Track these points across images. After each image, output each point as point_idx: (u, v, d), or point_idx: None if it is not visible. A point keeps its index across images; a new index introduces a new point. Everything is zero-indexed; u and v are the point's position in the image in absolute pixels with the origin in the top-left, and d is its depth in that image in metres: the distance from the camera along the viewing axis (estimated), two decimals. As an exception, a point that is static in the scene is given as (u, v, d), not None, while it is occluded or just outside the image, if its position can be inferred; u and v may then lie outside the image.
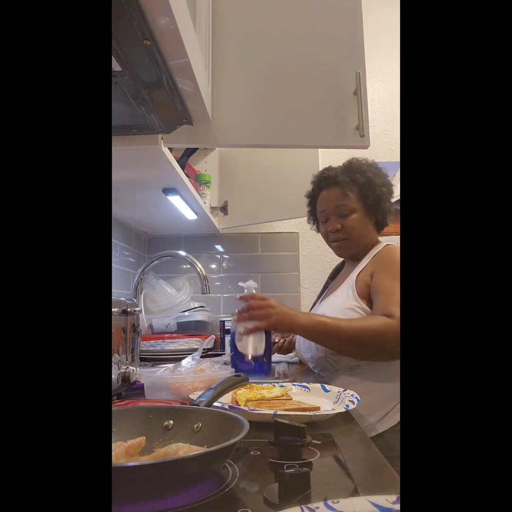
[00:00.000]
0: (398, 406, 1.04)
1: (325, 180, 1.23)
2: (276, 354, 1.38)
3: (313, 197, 1.30)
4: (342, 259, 1.37)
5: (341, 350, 1.01)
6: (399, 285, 0.99)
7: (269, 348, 0.99)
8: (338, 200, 1.19)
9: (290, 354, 1.43)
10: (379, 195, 1.18)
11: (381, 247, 1.19)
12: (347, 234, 1.19)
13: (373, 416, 1.03)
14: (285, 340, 1.39)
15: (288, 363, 1.44)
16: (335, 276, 1.38)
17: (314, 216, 1.33)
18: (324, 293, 1.36)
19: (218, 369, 0.91)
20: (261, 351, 0.96)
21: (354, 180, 1.18)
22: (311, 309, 1.40)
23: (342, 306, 1.11)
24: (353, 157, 1.26)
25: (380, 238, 1.27)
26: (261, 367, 0.96)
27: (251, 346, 0.96)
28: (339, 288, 1.21)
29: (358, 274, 1.15)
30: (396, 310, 0.96)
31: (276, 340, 1.39)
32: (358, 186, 1.18)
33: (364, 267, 1.16)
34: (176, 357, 1.29)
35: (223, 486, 0.42)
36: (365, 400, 0.95)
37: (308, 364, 1.22)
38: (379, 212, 1.20)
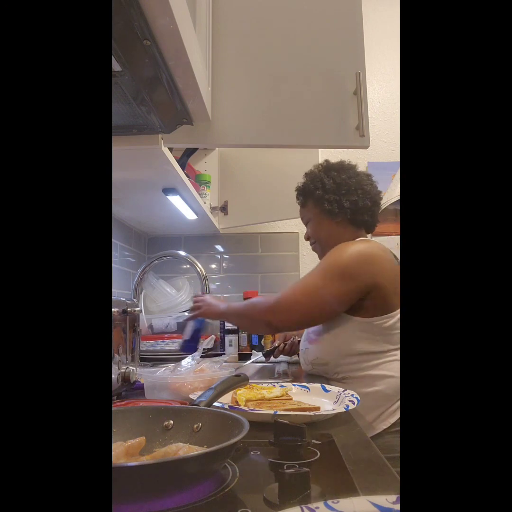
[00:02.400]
0: (394, 407, 1.04)
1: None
2: (281, 356, 1.43)
3: None
4: None
5: (240, 324, 1.31)
6: (311, 276, 1.09)
7: (198, 332, 1.37)
8: (301, 214, 1.32)
9: None
10: (319, 195, 1.21)
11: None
12: (312, 238, 1.30)
13: (369, 416, 1.03)
14: (285, 344, 1.40)
15: (288, 363, 1.44)
16: None
17: None
18: None
19: (218, 369, 0.91)
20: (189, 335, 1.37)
21: (305, 191, 1.26)
22: None
23: None
24: (314, 165, 1.30)
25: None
26: (189, 346, 1.35)
27: (187, 330, 1.37)
28: None
29: None
30: (283, 290, 1.10)
31: (277, 344, 1.42)
32: (308, 194, 1.25)
33: None
34: (176, 357, 1.29)
35: (223, 486, 0.42)
36: (364, 400, 0.96)
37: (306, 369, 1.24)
38: (324, 208, 1.21)
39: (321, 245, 1.26)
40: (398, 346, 1.06)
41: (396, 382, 1.04)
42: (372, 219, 1.24)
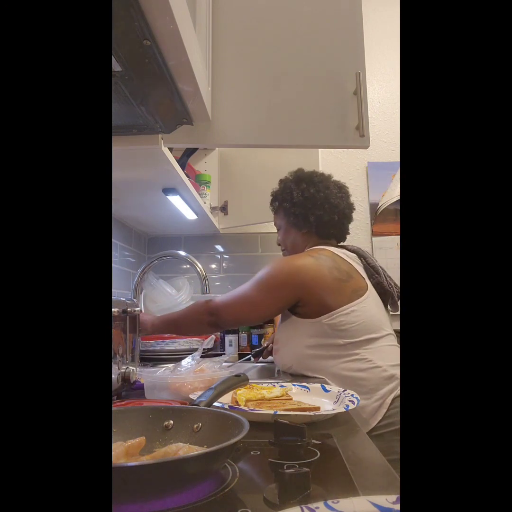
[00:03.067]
0: (383, 400, 1.04)
1: None
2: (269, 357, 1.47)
3: None
4: None
5: (180, 331, 1.31)
6: (246, 285, 1.18)
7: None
8: (274, 218, 1.38)
9: None
10: (286, 207, 1.28)
11: None
12: (281, 246, 1.37)
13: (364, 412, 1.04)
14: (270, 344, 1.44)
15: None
16: None
17: None
18: None
19: (218, 369, 0.91)
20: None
21: (276, 199, 1.32)
22: None
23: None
24: (289, 172, 1.35)
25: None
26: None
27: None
28: None
29: None
30: (219, 296, 1.22)
31: (265, 345, 1.48)
32: (279, 203, 1.31)
33: None
34: (176, 357, 1.29)
35: (223, 486, 0.42)
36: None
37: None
38: (290, 221, 1.29)
39: (288, 252, 1.33)
40: (352, 340, 1.09)
41: (365, 380, 1.05)
42: (340, 232, 1.30)
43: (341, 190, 1.29)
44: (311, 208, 1.24)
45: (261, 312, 1.18)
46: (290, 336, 1.16)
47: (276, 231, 2.10)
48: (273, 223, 1.41)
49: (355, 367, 1.07)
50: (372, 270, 1.21)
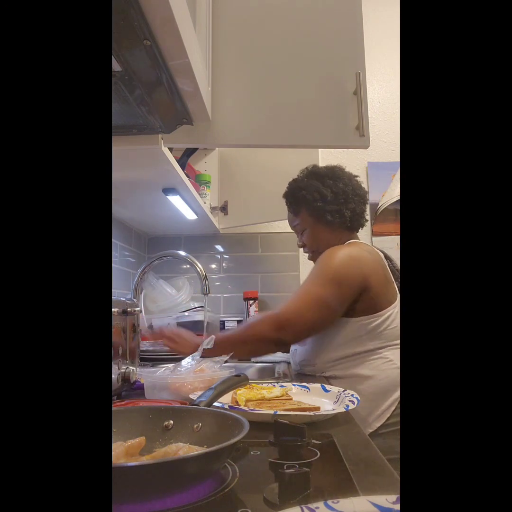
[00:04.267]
0: (386, 404, 1.04)
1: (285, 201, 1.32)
2: (279, 353, 1.41)
3: None
4: None
5: (241, 351, 1.10)
6: (312, 285, 1.07)
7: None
8: (292, 221, 1.30)
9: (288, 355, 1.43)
10: (319, 206, 1.20)
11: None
12: (309, 249, 1.27)
13: (360, 413, 1.04)
14: None
15: (288, 363, 1.44)
16: None
17: None
18: None
19: (218, 369, 0.91)
20: None
21: (298, 200, 1.24)
22: None
23: None
24: (300, 171, 1.30)
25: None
26: None
27: None
28: None
29: None
30: (283, 306, 1.07)
31: None
32: (303, 203, 1.23)
33: None
34: (176, 357, 1.29)
35: (223, 486, 0.42)
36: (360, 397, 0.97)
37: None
38: (325, 220, 1.22)
39: (318, 253, 1.24)
40: (382, 344, 1.08)
41: (381, 382, 1.05)
42: (364, 221, 1.27)
43: (357, 179, 1.26)
44: (344, 202, 1.20)
45: (335, 312, 1.07)
46: (324, 335, 1.11)
47: (276, 231, 2.13)
48: (285, 221, 1.33)
49: (376, 367, 1.07)
50: (397, 274, 1.16)
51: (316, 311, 1.05)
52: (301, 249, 1.33)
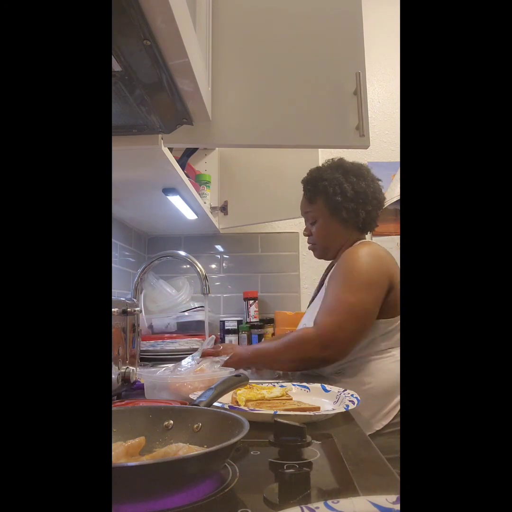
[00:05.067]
0: (392, 403, 1.04)
1: (302, 185, 1.28)
2: None
3: None
4: None
5: (277, 367, 1.10)
6: (344, 292, 1.03)
7: None
8: (305, 207, 1.27)
9: None
10: (338, 201, 1.18)
11: (350, 248, 1.18)
12: (315, 240, 1.25)
13: (367, 411, 1.03)
14: None
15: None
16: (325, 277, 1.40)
17: None
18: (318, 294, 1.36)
19: (218, 369, 0.91)
20: None
21: (318, 189, 1.21)
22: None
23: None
24: (326, 160, 1.28)
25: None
26: None
27: None
28: (318, 294, 1.25)
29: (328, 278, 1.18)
30: (320, 319, 1.03)
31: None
32: (322, 194, 1.21)
33: (332, 270, 1.19)
34: (176, 357, 1.29)
35: (223, 486, 0.42)
36: (363, 397, 0.96)
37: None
38: (340, 216, 1.19)
39: (322, 247, 1.25)
40: (393, 345, 1.08)
41: (390, 380, 1.05)
42: (375, 225, 1.26)
43: (379, 183, 1.24)
44: (363, 203, 1.18)
45: (373, 316, 1.04)
46: None
47: (276, 231, 2.13)
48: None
49: (385, 366, 1.07)
50: None
51: (356, 322, 1.01)
52: (306, 239, 1.31)
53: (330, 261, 1.42)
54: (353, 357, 1.09)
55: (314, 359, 1.02)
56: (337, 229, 1.21)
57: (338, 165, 1.23)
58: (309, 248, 1.30)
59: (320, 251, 1.27)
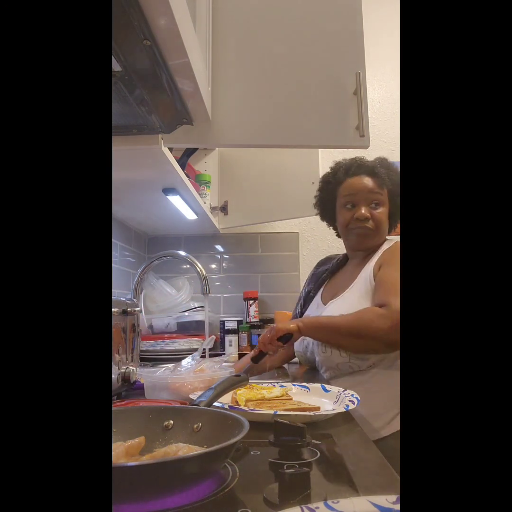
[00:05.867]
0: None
1: (359, 168, 1.22)
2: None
3: (333, 183, 1.25)
4: (327, 254, 1.43)
5: (338, 343, 1.07)
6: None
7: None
8: (375, 188, 1.19)
9: None
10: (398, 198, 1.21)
11: (392, 243, 1.20)
12: (377, 224, 1.19)
13: (378, 420, 1.02)
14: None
15: (288, 363, 1.44)
16: (335, 272, 1.36)
17: (327, 202, 1.30)
18: (322, 291, 1.33)
19: (218, 369, 0.91)
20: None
21: (390, 177, 1.20)
22: (303, 307, 1.37)
23: (361, 304, 1.08)
24: (383, 156, 1.26)
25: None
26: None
27: None
28: (352, 286, 1.18)
29: (372, 269, 1.14)
30: (392, 300, 0.98)
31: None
32: (391, 183, 1.20)
33: (375, 262, 1.15)
34: (176, 357, 1.29)
35: (223, 486, 0.42)
36: (372, 402, 0.94)
37: (319, 367, 1.19)
38: (398, 214, 1.23)
39: (379, 233, 1.20)
40: None
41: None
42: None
43: None
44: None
45: None
46: None
47: (276, 231, 2.13)
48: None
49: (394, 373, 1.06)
50: None
51: None
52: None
53: (327, 264, 1.41)
54: (385, 358, 1.06)
55: (384, 339, 0.96)
56: (387, 223, 1.22)
57: (397, 168, 1.25)
58: (361, 232, 1.20)
59: (374, 237, 1.21)
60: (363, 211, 1.17)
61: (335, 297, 1.21)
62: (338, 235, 1.33)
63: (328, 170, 1.30)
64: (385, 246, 1.20)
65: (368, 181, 1.19)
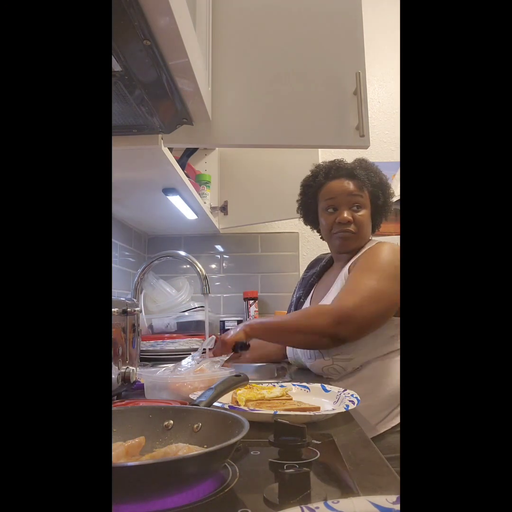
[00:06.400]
0: (399, 408, 1.04)
1: (338, 170, 1.21)
2: None
3: (314, 187, 1.25)
4: (317, 256, 1.44)
5: (286, 341, 1.12)
6: (368, 279, 1.03)
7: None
8: (354, 191, 1.18)
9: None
10: (386, 200, 1.23)
11: (372, 244, 1.20)
12: (358, 227, 1.19)
13: (374, 418, 1.03)
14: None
15: (288, 363, 1.44)
16: (322, 275, 1.37)
17: (309, 206, 1.30)
18: (311, 295, 1.34)
19: (218, 369, 0.91)
20: None
21: (369, 178, 1.20)
22: (296, 308, 1.38)
23: None
24: (361, 157, 1.26)
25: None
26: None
27: None
28: (331, 289, 1.20)
29: (347, 271, 1.16)
30: (343, 299, 1.02)
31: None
32: (372, 185, 1.20)
33: (350, 264, 1.16)
34: (176, 357, 1.29)
35: (223, 486, 0.42)
36: (367, 402, 0.95)
37: (312, 370, 1.19)
38: (382, 214, 1.25)
39: (361, 236, 1.20)
40: None
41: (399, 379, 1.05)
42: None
43: None
44: (390, 199, 1.26)
45: (394, 306, 1.02)
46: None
47: (276, 231, 2.13)
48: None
49: (392, 365, 1.07)
50: None
51: (374, 305, 1.00)
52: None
53: (315, 267, 1.41)
54: (373, 356, 1.07)
55: (325, 333, 1.00)
56: (370, 224, 1.23)
57: (369, 164, 1.25)
58: (344, 235, 1.20)
59: (356, 240, 1.21)
60: (345, 215, 1.17)
61: (322, 300, 1.22)
62: (322, 238, 1.32)
63: (308, 173, 1.30)
64: (367, 247, 1.19)
65: (348, 183, 1.19)
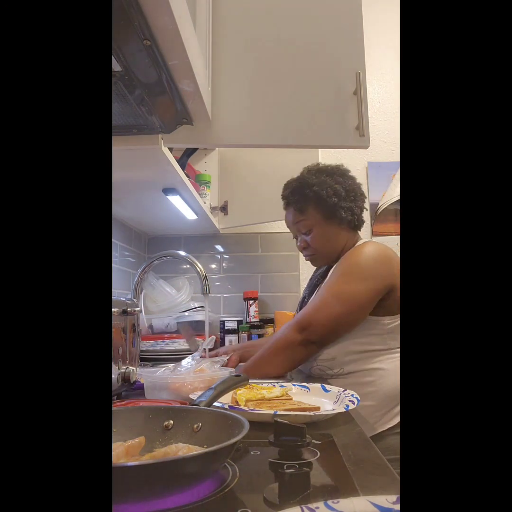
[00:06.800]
0: (396, 408, 1.04)
1: (283, 200, 1.26)
2: None
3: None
4: None
5: (273, 368, 1.07)
6: (335, 282, 1.05)
7: None
8: (295, 218, 1.21)
9: None
10: (334, 203, 1.17)
11: (359, 243, 1.19)
12: (315, 249, 1.21)
13: (371, 417, 1.03)
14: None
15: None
16: (326, 276, 1.37)
17: None
18: (315, 293, 1.35)
19: (218, 369, 0.91)
20: None
21: (307, 196, 1.18)
22: (300, 307, 1.39)
23: None
24: (304, 168, 1.26)
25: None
26: None
27: None
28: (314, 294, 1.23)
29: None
30: (303, 311, 1.06)
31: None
32: (313, 200, 1.18)
33: (332, 270, 1.18)
34: (176, 357, 1.29)
35: (223, 486, 0.42)
36: (365, 402, 0.95)
37: (304, 372, 1.21)
38: (339, 217, 1.18)
39: (324, 254, 1.21)
40: (398, 345, 1.07)
41: (396, 379, 1.04)
42: (364, 220, 1.26)
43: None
44: (354, 200, 1.19)
45: (362, 306, 1.03)
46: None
47: (276, 231, 2.13)
48: (286, 221, 1.26)
49: (393, 362, 1.07)
50: None
51: (338, 306, 1.02)
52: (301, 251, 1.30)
53: (322, 267, 1.41)
54: (357, 356, 1.07)
55: (294, 343, 1.03)
56: (336, 232, 1.19)
57: (319, 169, 1.23)
58: (308, 259, 1.25)
59: (322, 259, 1.23)
60: (298, 244, 1.24)
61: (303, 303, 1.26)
62: None
63: None
64: (352, 248, 1.18)
65: (289, 214, 1.23)
